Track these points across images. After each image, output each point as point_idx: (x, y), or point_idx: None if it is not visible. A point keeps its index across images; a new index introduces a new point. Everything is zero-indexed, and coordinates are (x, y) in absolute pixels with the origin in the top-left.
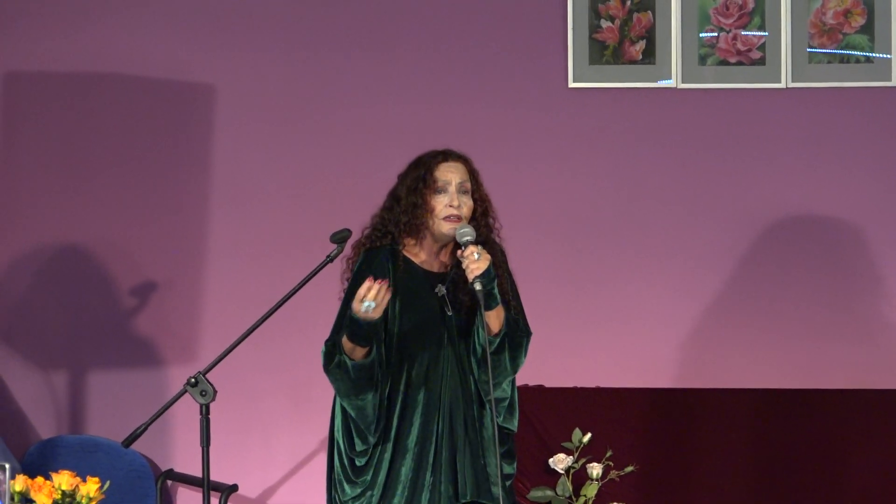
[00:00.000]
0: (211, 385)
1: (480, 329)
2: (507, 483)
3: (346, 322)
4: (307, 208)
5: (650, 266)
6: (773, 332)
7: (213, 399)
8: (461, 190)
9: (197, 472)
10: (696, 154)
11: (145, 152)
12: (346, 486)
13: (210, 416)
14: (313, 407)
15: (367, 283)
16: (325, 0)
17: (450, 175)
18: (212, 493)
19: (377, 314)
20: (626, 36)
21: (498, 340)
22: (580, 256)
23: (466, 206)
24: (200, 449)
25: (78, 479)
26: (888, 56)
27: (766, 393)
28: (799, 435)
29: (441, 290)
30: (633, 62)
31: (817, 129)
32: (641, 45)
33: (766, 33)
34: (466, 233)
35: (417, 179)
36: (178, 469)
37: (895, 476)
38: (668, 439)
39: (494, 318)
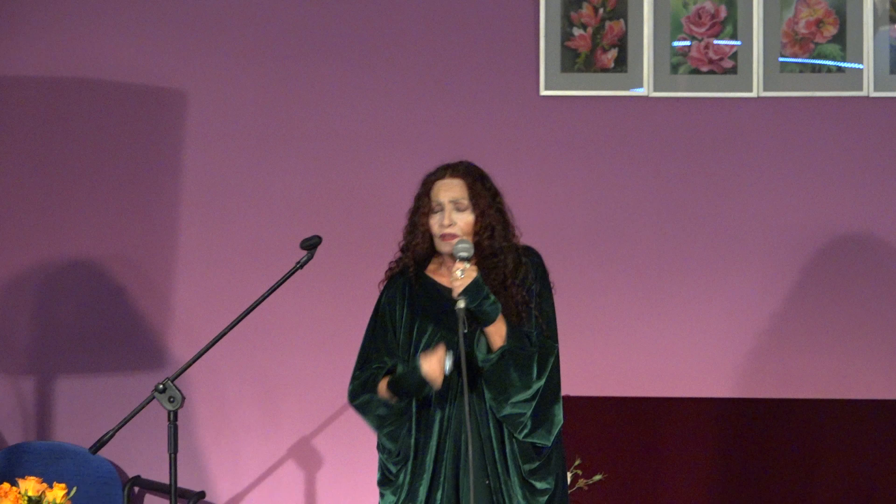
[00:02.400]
0: (179, 391)
1: (475, 345)
2: (542, 499)
3: (400, 377)
4: (278, 215)
5: (621, 275)
6: (742, 341)
7: (182, 405)
8: (456, 208)
9: (164, 478)
10: (668, 162)
11: (115, 158)
12: (386, 493)
13: (178, 423)
14: (282, 414)
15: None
16: (296, 8)
17: (442, 195)
18: (179, 500)
19: (438, 383)
20: (598, 44)
21: (495, 357)
22: (550, 265)
23: (462, 221)
24: (168, 456)
25: (44, 485)
26: (860, 66)
27: (735, 402)
28: (768, 444)
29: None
30: (605, 70)
31: (789, 138)
32: (613, 53)
33: (739, 42)
34: (460, 249)
35: (418, 201)
36: (146, 476)
37: (863, 486)
38: (637, 448)
39: (494, 334)
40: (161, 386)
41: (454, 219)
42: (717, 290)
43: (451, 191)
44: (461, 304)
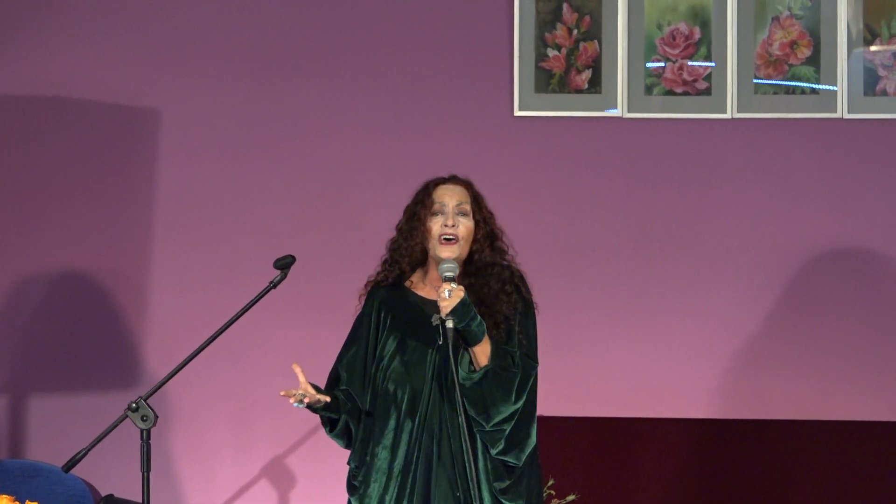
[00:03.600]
0: (152, 410)
1: (454, 364)
2: None
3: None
4: (253, 234)
5: (596, 295)
6: (718, 362)
7: (154, 424)
8: (459, 211)
9: (138, 497)
10: (642, 183)
11: (89, 176)
12: (351, 499)
13: (151, 442)
14: (255, 434)
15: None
16: (272, 28)
17: (446, 197)
18: None
19: (316, 403)
20: (572, 65)
21: (478, 376)
22: None
23: (464, 226)
24: (141, 474)
25: (17, 503)
26: (833, 88)
27: (711, 423)
28: (744, 466)
29: (436, 318)
30: (579, 91)
31: (763, 159)
32: (588, 74)
33: (713, 64)
34: (445, 269)
35: (416, 203)
36: (119, 494)
37: None
38: (611, 469)
39: (480, 353)
40: (134, 405)
41: (457, 221)
42: (692, 311)
43: (456, 195)
44: (450, 323)
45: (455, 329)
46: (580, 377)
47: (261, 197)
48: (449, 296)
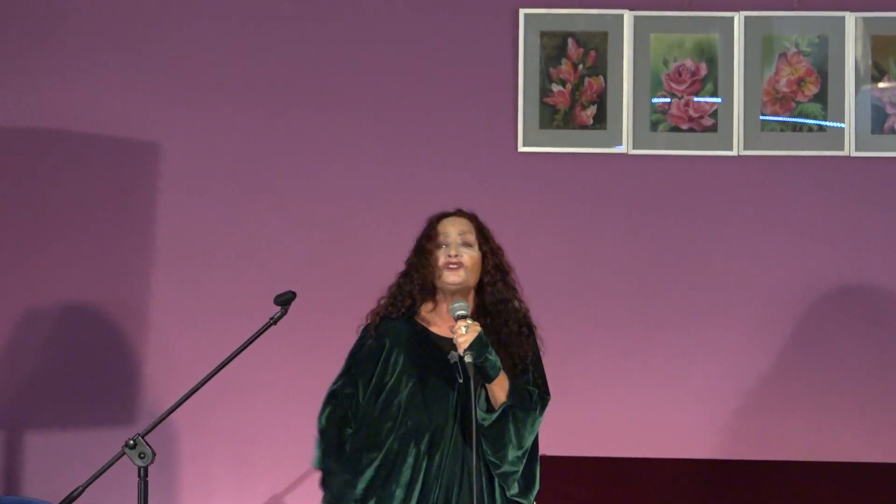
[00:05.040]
0: (150, 447)
1: (474, 401)
2: None
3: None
4: (253, 270)
5: (601, 334)
6: (725, 401)
7: (152, 462)
8: (462, 241)
9: None
10: (647, 221)
11: (87, 210)
12: None
13: (149, 479)
14: (254, 471)
15: None
16: (274, 61)
17: (449, 228)
18: None
19: None
20: (577, 100)
21: (497, 413)
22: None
23: (467, 255)
24: None
25: None
26: (841, 125)
27: (718, 464)
28: None
29: (453, 356)
30: (584, 127)
31: (770, 197)
32: (592, 110)
33: (719, 100)
34: (457, 308)
35: (423, 237)
36: None
37: None
38: None
39: (498, 389)
40: (132, 441)
41: (461, 251)
42: (697, 350)
43: (459, 225)
44: (468, 358)
45: (473, 365)
46: (584, 416)
47: (263, 232)
48: (466, 331)
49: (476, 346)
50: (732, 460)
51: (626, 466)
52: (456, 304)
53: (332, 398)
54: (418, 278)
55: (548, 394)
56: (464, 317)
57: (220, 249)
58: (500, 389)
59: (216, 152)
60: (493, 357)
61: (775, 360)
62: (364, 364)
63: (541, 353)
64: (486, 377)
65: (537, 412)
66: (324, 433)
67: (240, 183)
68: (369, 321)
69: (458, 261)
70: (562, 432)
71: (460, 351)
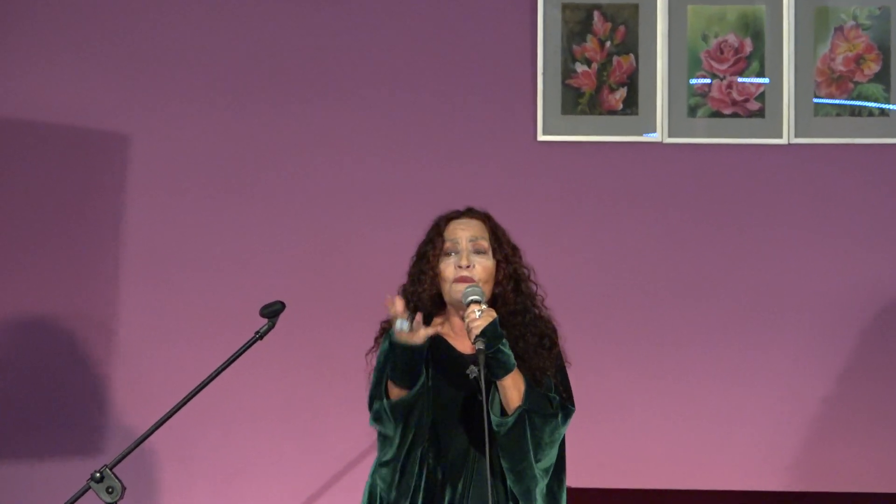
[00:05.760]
0: (119, 481)
1: (486, 400)
2: None
3: (388, 361)
4: (236, 277)
5: (631, 347)
6: (767, 428)
7: (122, 497)
8: (474, 249)
9: None
10: (685, 219)
11: (49, 209)
12: None
13: None
14: None
15: (395, 302)
16: (262, 46)
17: (459, 233)
18: None
19: (415, 338)
20: (604, 82)
21: (513, 418)
22: None
23: (481, 266)
24: None
25: None
26: None
27: (757, 496)
28: None
29: (473, 371)
30: (612, 112)
31: (825, 191)
32: (622, 92)
33: (766, 81)
34: (470, 292)
35: (426, 244)
36: None
37: None
38: None
39: (512, 389)
40: (98, 474)
41: (473, 261)
42: (743, 366)
43: (469, 229)
44: (479, 345)
45: (485, 356)
46: (609, 443)
47: (246, 234)
48: (480, 315)
49: (490, 333)
50: (778, 492)
51: (656, 500)
52: (469, 289)
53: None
54: (416, 293)
55: (572, 404)
56: (478, 301)
57: (199, 255)
58: (514, 390)
59: (194, 145)
60: (507, 350)
61: (830, 381)
62: None
63: (566, 367)
64: (497, 372)
65: (558, 419)
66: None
67: (221, 180)
68: (380, 341)
69: (470, 273)
70: (584, 462)
71: (471, 336)
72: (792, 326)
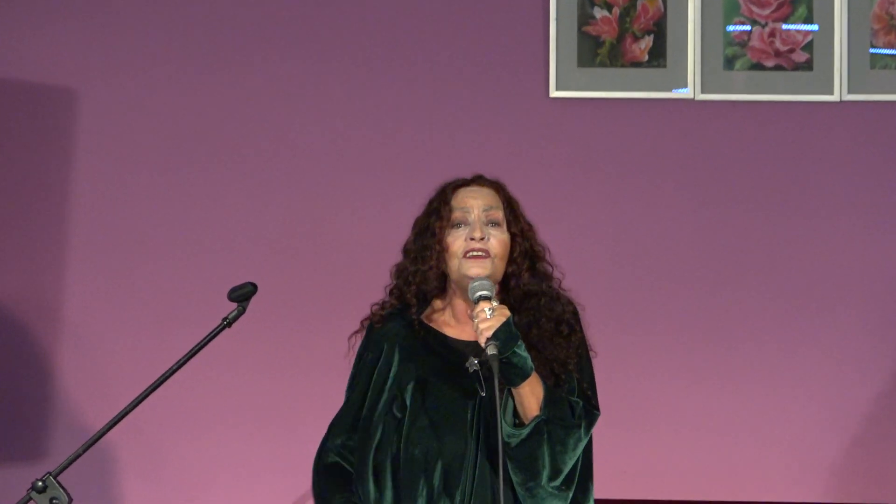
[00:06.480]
0: (64, 491)
1: (499, 410)
2: None
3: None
4: (200, 254)
5: (658, 335)
6: (827, 429)
7: None
8: (488, 220)
9: None
10: (719, 187)
11: None
12: None
13: None
14: None
15: None
16: None
17: (470, 201)
18: None
19: None
20: (627, 29)
21: (528, 429)
22: None
23: (496, 239)
24: None
25: None
26: None
27: None
28: None
29: (473, 364)
30: (636, 65)
31: (881, 153)
32: (648, 41)
33: (815, 28)
34: (478, 287)
35: (430, 213)
36: None
37: None
38: None
39: (530, 397)
40: (41, 483)
41: (487, 233)
42: (788, 357)
43: (482, 198)
44: (491, 350)
45: (498, 361)
46: (638, 450)
47: (216, 209)
48: (491, 314)
49: (503, 335)
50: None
51: None
52: (476, 283)
53: (324, 453)
54: (418, 272)
55: (596, 408)
56: (487, 298)
57: (160, 231)
58: (531, 397)
59: (154, 106)
60: (523, 353)
61: (892, 378)
62: (360, 396)
63: (590, 355)
64: (512, 379)
65: (581, 431)
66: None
67: (186, 146)
68: (366, 326)
69: (484, 247)
70: (611, 471)
71: (482, 340)
72: (844, 308)
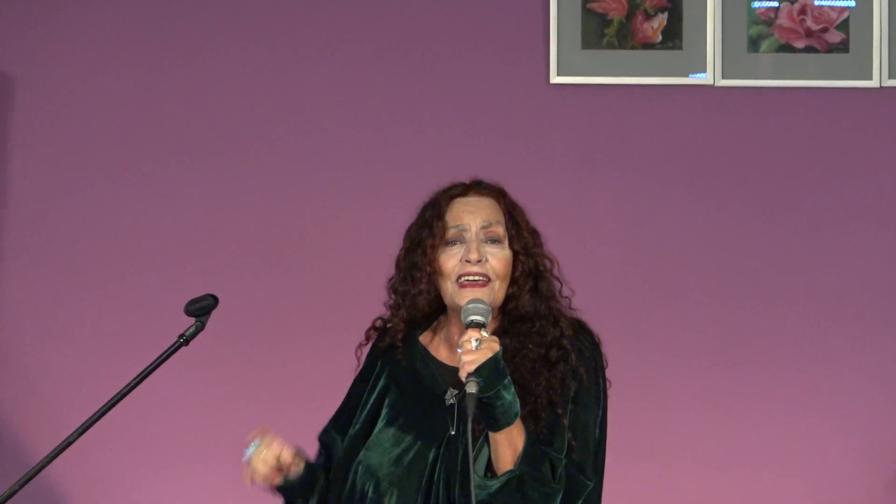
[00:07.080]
0: None
1: (470, 458)
2: None
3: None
4: (154, 265)
5: (674, 345)
6: (871, 451)
7: None
8: (487, 237)
9: None
10: (744, 183)
11: None
12: None
13: None
14: None
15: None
16: None
17: (466, 217)
18: None
19: (266, 472)
20: (638, 6)
21: (496, 484)
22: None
23: (496, 259)
24: None
25: None
26: None
27: None
28: None
29: (451, 396)
30: (648, 46)
31: None
32: (661, 19)
33: (852, 3)
34: (472, 310)
35: (421, 226)
36: None
37: None
38: None
39: (505, 445)
40: None
41: (485, 253)
42: (821, 370)
43: (480, 212)
44: (471, 388)
45: (479, 400)
46: (660, 473)
47: (176, 212)
48: (477, 346)
49: (487, 372)
50: None
51: None
52: (471, 305)
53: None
54: (408, 294)
55: (586, 470)
56: (480, 325)
57: (111, 236)
58: (507, 445)
59: (106, 94)
60: (509, 396)
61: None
62: (353, 403)
63: (602, 399)
64: (492, 423)
65: (558, 496)
66: None
67: (142, 139)
68: (367, 338)
69: (482, 270)
70: (622, 495)
71: (462, 375)
72: (884, 317)
